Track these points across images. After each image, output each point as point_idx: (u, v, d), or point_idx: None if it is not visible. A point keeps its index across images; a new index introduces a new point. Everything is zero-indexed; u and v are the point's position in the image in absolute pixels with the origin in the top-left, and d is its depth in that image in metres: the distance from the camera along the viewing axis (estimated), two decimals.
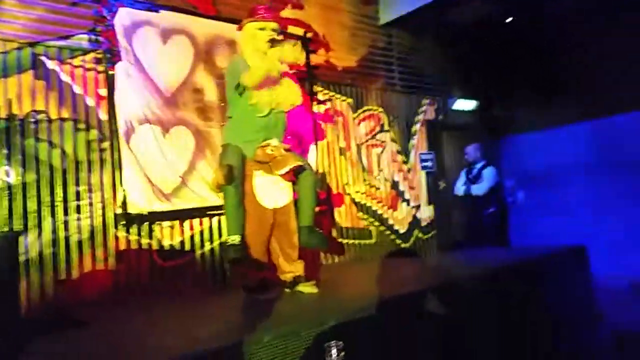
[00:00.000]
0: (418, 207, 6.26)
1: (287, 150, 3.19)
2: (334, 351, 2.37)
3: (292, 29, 5.26)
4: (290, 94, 3.29)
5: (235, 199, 3.08)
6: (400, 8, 5.99)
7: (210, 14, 4.65)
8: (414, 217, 6.19)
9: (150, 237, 4.01)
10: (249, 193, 3.17)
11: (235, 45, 4.74)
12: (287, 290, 3.36)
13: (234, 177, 3.05)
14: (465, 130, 6.78)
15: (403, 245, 5.99)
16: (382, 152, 5.97)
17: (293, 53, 3.38)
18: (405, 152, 6.24)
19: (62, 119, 3.74)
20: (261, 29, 3.20)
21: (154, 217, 4.02)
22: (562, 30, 6.02)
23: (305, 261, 3.43)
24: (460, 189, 5.99)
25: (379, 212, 5.78)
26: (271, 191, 3.24)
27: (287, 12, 5.28)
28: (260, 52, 3.18)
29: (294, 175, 3.21)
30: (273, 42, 3.22)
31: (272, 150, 3.11)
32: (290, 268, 3.33)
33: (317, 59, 5.45)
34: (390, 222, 5.91)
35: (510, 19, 6.40)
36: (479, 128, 6.81)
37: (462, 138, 6.51)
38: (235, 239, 3.07)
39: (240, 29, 3.30)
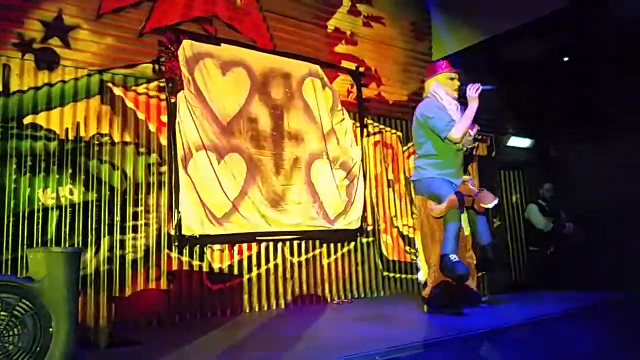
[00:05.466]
0: None
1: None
2: None
3: (345, 64, 5.39)
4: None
5: (459, 224, 3.57)
6: (453, 45, 6.03)
7: (267, 48, 4.82)
8: None
9: (202, 259, 4.09)
10: None
11: (289, 78, 4.90)
12: None
13: (463, 203, 3.56)
14: (520, 167, 6.64)
15: None
16: None
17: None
18: None
19: (125, 143, 3.92)
20: (451, 78, 3.89)
21: (206, 240, 4.11)
22: (619, 68, 5.87)
23: None
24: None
25: None
26: (465, 220, 3.74)
27: (341, 48, 5.41)
28: (451, 96, 3.85)
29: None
30: (459, 89, 3.88)
31: (472, 185, 3.78)
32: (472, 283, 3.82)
33: (368, 92, 5.54)
34: None
35: (566, 58, 6.32)
36: (534, 166, 6.66)
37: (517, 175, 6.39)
38: (456, 257, 3.48)
39: (429, 77, 4.00)
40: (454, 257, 3.45)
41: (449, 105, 3.83)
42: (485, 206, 3.67)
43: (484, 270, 4.29)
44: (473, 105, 3.69)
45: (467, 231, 3.82)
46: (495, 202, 3.70)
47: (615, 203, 5.97)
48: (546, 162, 6.78)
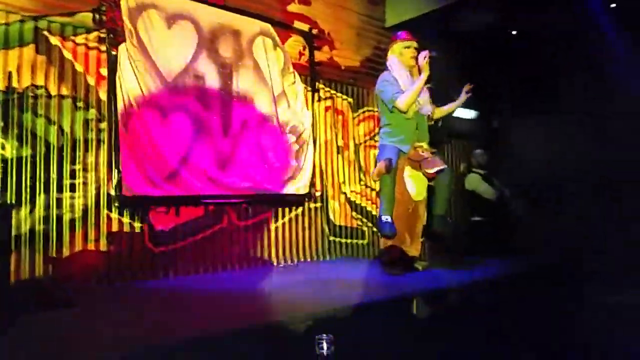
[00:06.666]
0: None
1: (432, 152, 3.99)
2: (324, 345, 2.32)
3: (297, 24, 5.25)
4: (427, 101, 4.11)
5: (391, 186, 3.81)
6: (407, 12, 5.98)
7: (217, 3, 4.62)
8: None
9: (143, 221, 3.97)
10: (399, 183, 3.90)
11: (238, 36, 4.73)
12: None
13: (392, 169, 3.76)
14: (465, 137, 6.77)
15: None
16: None
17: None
18: None
19: (62, 96, 3.69)
20: (407, 47, 4.03)
21: (148, 202, 3.98)
22: (567, 44, 6.02)
23: None
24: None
25: (373, 213, 5.75)
26: (416, 185, 3.98)
27: (293, 7, 5.26)
28: (407, 66, 4.02)
29: (436, 174, 3.90)
30: (416, 59, 3.97)
31: (423, 151, 3.93)
32: (413, 249, 4.06)
33: (320, 56, 5.44)
34: None
35: (515, 32, 6.40)
36: (478, 136, 6.80)
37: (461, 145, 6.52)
38: (389, 218, 3.75)
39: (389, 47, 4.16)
40: (385, 218, 3.76)
41: (400, 76, 3.97)
42: (429, 171, 3.84)
43: (433, 240, 4.47)
44: (422, 75, 3.82)
45: (419, 197, 4.01)
46: (440, 167, 3.82)
47: (559, 178, 6.20)
48: (489, 133, 6.94)
